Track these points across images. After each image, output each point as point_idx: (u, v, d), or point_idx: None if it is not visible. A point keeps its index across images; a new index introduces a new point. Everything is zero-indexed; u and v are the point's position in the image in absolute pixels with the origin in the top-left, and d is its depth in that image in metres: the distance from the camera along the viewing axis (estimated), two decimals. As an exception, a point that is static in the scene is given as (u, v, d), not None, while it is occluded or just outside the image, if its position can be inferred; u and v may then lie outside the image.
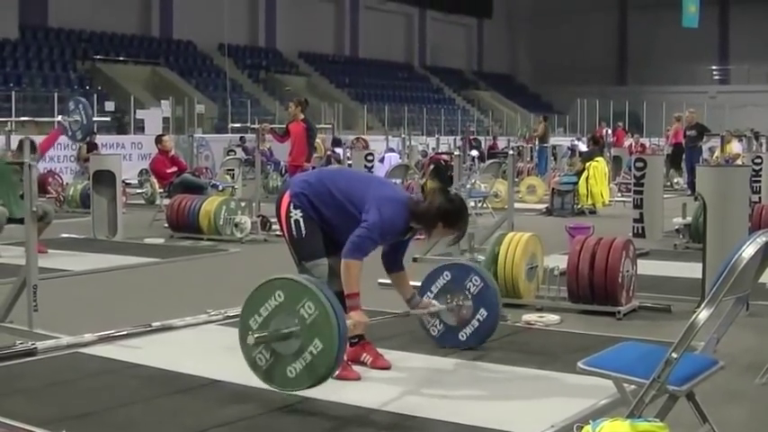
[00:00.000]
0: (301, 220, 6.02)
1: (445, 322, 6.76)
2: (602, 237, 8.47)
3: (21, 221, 10.41)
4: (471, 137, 37.10)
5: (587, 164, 18.42)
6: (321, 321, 5.20)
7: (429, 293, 6.75)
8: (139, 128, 31.82)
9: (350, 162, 19.54)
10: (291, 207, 6.07)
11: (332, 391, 5.51)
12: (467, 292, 6.68)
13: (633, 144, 32.51)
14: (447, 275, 6.74)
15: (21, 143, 13.44)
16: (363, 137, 28.00)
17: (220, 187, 18.45)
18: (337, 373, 5.86)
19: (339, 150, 25.30)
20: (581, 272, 8.13)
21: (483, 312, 6.68)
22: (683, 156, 24.63)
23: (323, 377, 5.25)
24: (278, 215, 6.23)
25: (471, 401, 5.64)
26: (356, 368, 6.11)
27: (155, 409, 5.50)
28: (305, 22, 50.34)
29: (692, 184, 22.44)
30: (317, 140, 25.48)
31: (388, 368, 6.25)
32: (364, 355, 6.29)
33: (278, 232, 13.72)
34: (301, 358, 5.22)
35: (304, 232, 6.02)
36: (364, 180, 6.37)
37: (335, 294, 6.09)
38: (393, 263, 6.35)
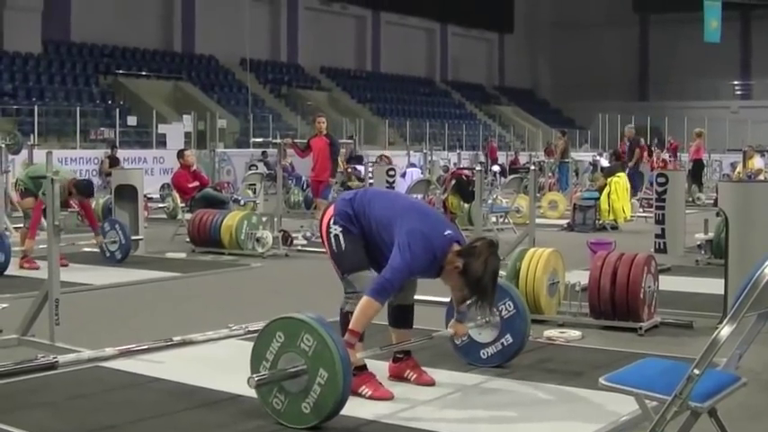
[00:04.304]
0: (341, 235, 5.96)
1: (471, 336, 6.73)
2: (623, 252, 8.45)
3: None
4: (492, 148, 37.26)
5: (609, 179, 18.36)
6: (321, 350, 5.20)
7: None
8: (161, 142, 31.94)
9: (371, 181, 19.53)
10: (331, 223, 6.02)
11: (356, 407, 5.50)
12: (497, 313, 6.65)
13: (655, 159, 32.45)
14: None
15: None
16: (386, 153, 27.96)
17: (242, 202, 18.48)
18: (370, 393, 5.85)
19: (360, 168, 25.28)
20: (602, 287, 8.10)
21: (509, 338, 6.65)
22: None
23: (334, 406, 5.22)
24: (320, 233, 6.23)
25: (493, 418, 5.62)
26: (392, 386, 6.09)
27: (176, 424, 5.50)
28: (326, 37, 50.54)
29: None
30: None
31: (432, 384, 6.23)
32: (408, 372, 6.29)
33: (299, 247, 13.88)
34: (312, 392, 5.21)
35: (344, 246, 5.96)
36: (402, 209, 6.00)
37: (396, 308, 6.20)
38: None
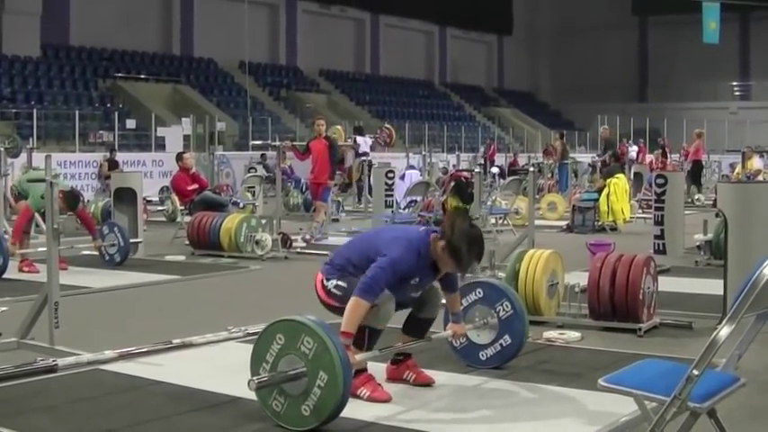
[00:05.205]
0: (340, 282, 6.01)
1: (469, 338, 6.74)
2: (622, 253, 8.44)
3: None
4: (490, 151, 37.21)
5: (608, 180, 18.36)
6: (321, 353, 5.20)
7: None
8: (160, 145, 31.91)
9: (370, 158, 19.53)
10: (325, 281, 6.09)
11: (356, 409, 5.51)
12: (495, 314, 6.66)
13: (654, 160, 32.43)
14: (479, 292, 6.72)
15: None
16: (388, 126, 27.89)
17: (241, 204, 18.49)
18: (368, 394, 5.86)
19: (361, 139, 25.24)
20: (602, 289, 8.10)
21: (507, 339, 6.66)
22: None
23: (334, 409, 5.22)
24: (320, 299, 6.17)
25: (491, 419, 5.63)
26: (392, 388, 6.10)
27: (175, 427, 5.51)
28: (325, 39, 50.53)
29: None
30: (338, 127, 25.85)
31: (431, 382, 6.29)
32: (407, 372, 6.32)
33: (298, 250, 13.89)
34: (312, 394, 5.21)
35: (346, 286, 5.96)
36: (375, 235, 6.37)
37: (417, 320, 6.31)
38: (447, 285, 6.35)
